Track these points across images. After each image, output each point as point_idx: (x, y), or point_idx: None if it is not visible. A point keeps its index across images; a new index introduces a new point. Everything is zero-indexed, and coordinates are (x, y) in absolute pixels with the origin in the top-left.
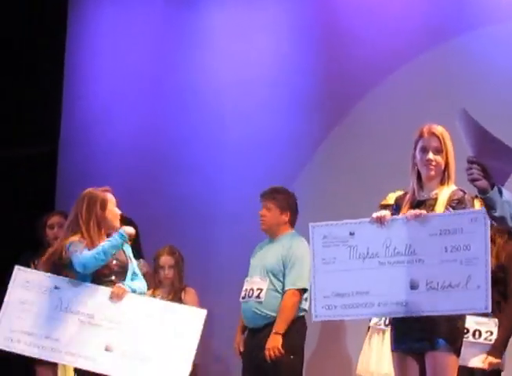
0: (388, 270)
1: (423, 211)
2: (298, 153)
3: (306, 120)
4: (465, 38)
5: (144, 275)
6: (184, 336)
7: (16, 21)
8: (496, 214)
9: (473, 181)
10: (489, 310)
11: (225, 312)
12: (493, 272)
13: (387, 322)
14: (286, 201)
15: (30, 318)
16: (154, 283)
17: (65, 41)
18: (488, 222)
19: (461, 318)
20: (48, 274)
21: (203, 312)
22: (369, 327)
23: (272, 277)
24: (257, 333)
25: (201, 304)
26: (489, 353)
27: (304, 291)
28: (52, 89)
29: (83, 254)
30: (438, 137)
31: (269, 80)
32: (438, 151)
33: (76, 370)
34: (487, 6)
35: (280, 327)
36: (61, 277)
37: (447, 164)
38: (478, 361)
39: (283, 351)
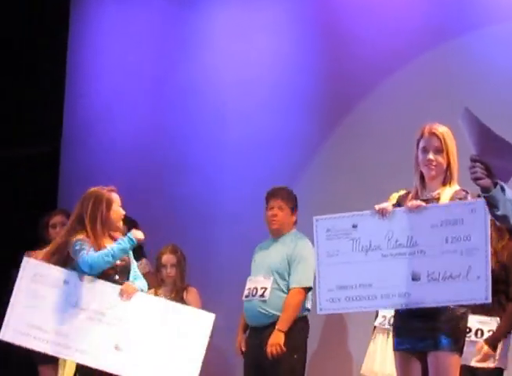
0: (390, 262)
1: (423, 203)
2: (299, 153)
3: (307, 120)
4: (466, 38)
5: (145, 274)
6: (192, 339)
7: (18, 20)
8: (499, 212)
9: (476, 179)
10: (489, 301)
11: (225, 312)
12: (494, 272)
13: (391, 322)
14: (294, 201)
15: (40, 312)
16: (156, 281)
17: (67, 40)
18: (488, 212)
19: (463, 318)
20: (58, 268)
21: (212, 316)
22: (374, 327)
23: (276, 276)
24: (260, 332)
25: (202, 303)
26: (486, 342)
27: (308, 289)
28: (54, 88)
29: (90, 254)
30: (439, 137)
31: (270, 80)
32: (439, 151)
33: (78, 370)
34: (487, 6)
35: (284, 324)
36: (71, 271)
37: (449, 164)
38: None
39: (284, 348)
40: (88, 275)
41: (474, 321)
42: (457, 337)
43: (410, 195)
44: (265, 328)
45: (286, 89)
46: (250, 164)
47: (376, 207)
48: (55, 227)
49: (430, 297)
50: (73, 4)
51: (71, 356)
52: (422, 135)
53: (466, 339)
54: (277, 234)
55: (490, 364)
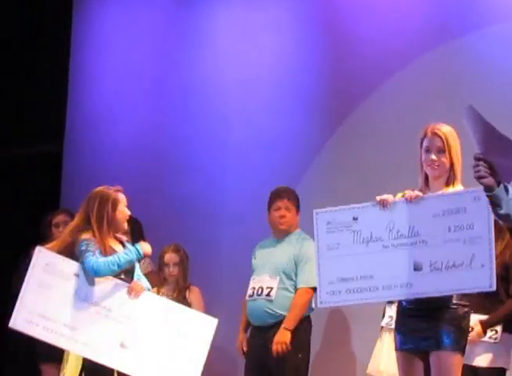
0: (392, 253)
1: (420, 193)
2: (301, 152)
3: (309, 119)
4: (468, 38)
5: (147, 274)
6: (195, 342)
7: (20, 21)
8: (502, 211)
9: (479, 178)
10: (494, 288)
11: (227, 311)
12: (497, 271)
13: None
14: (298, 201)
15: (49, 302)
16: (159, 280)
17: (69, 41)
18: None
19: (466, 317)
20: (70, 260)
21: (215, 321)
22: (382, 327)
23: (283, 276)
24: (264, 331)
25: (204, 302)
26: (480, 322)
27: (315, 289)
28: (56, 89)
29: (96, 259)
30: (441, 137)
31: (273, 80)
32: (441, 151)
33: (84, 366)
34: (489, 6)
35: (290, 323)
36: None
37: (452, 164)
38: (483, 360)
39: (290, 347)
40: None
41: (476, 320)
42: (459, 336)
43: None
44: (270, 328)
45: (288, 89)
46: (252, 164)
47: (378, 198)
48: (58, 226)
49: (433, 286)
50: (75, 5)
51: (76, 349)
52: (425, 135)
53: (469, 338)
54: (282, 234)
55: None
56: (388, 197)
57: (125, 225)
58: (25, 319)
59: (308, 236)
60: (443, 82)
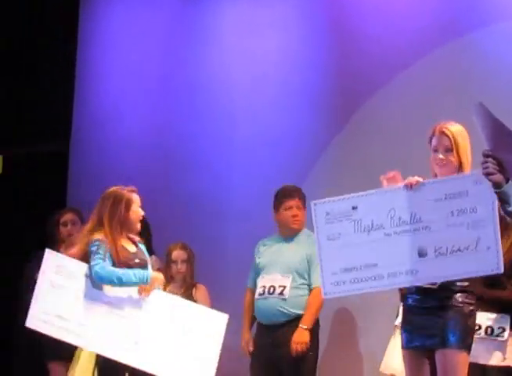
0: (395, 240)
1: (420, 179)
2: (307, 150)
3: (315, 117)
4: (477, 35)
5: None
6: (206, 339)
7: (28, 20)
8: (510, 208)
9: (488, 175)
10: (501, 271)
11: (233, 309)
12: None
13: None
14: (305, 200)
15: (64, 302)
16: (165, 278)
17: (76, 39)
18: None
19: (472, 315)
20: (80, 262)
21: (225, 317)
22: (395, 326)
23: (295, 275)
24: (273, 330)
25: (210, 300)
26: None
27: None
28: (62, 87)
29: (104, 267)
30: (448, 136)
31: (279, 77)
32: (449, 150)
33: (97, 363)
34: (499, 2)
35: (309, 322)
36: None
37: (460, 163)
38: (491, 358)
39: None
40: None
41: (483, 318)
42: (465, 334)
43: None
44: (279, 327)
45: (295, 86)
46: (258, 161)
47: (382, 177)
48: (66, 225)
49: (439, 272)
50: (82, 3)
51: (92, 347)
52: (433, 134)
53: (477, 337)
54: (291, 233)
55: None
56: (395, 172)
57: (138, 226)
58: (41, 319)
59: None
60: (451, 79)
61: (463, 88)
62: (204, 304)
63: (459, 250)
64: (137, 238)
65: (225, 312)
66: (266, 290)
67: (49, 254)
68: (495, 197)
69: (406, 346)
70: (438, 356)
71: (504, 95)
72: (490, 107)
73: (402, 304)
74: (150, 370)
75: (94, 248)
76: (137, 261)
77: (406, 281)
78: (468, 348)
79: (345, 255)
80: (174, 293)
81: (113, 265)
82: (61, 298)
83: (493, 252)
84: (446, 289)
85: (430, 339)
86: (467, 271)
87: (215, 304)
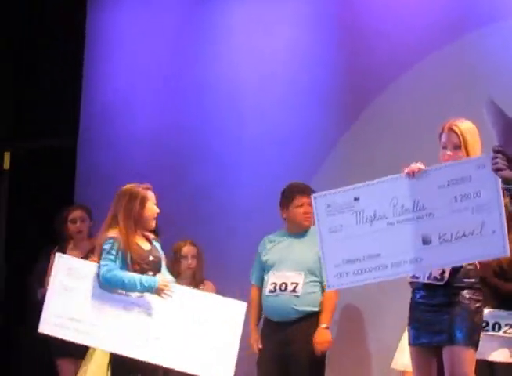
0: (398, 229)
1: (422, 166)
2: (317, 147)
3: (325, 114)
4: (486, 31)
5: None
6: (227, 328)
7: (36, 18)
8: None
9: (497, 170)
10: (508, 254)
11: None
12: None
13: None
14: None
15: (76, 304)
16: (173, 274)
17: (84, 37)
18: None
19: (479, 311)
20: (90, 262)
21: (244, 305)
22: None
23: (307, 272)
24: (283, 327)
25: None
26: None
27: None
28: (71, 84)
29: (112, 268)
30: (457, 133)
31: (288, 75)
32: (457, 147)
33: (110, 362)
34: None
35: (328, 320)
36: None
37: None
38: (499, 355)
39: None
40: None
41: (490, 315)
42: (472, 331)
43: None
44: (290, 324)
45: (304, 84)
46: (266, 160)
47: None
48: (74, 222)
49: (444, 258)
50: (90, 2)
51: (105, 346)
52: (442, 131)
53: (484, 333)
54: (301, 230)
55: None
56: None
57: (153, 223)
58: (54, 323)
59: None
60: (460, 76)
61: (472, 85)
62: None
63: (464, 235)
64: (152, 235)
65: None
66: (278, 287)
67: (60, 258)
68: (499, 180)
69: (413, 343)
70: (445, 352)
71: None
72: (499, 103)
73: None
74: (169, 364)
75: (107, 247)
76: (151, 259)
77: (410, 269)
78: (475, 345)
79: (348, 247)
80: None
81: (125, 264)
82: (73, 300)
83: (499, 236)
84: (453, 286)
85: (437, 336)
86: (473, 256)
87: None
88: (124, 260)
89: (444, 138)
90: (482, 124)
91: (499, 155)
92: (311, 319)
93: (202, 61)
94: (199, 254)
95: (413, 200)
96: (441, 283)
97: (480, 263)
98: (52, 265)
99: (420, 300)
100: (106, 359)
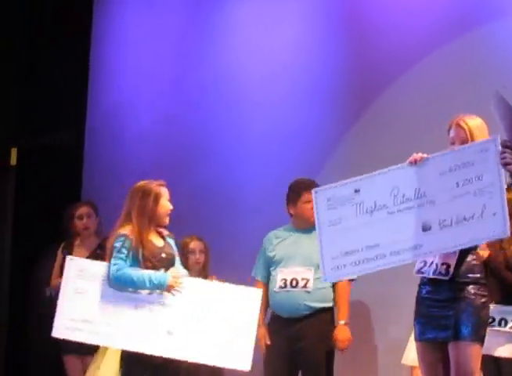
0: (398, 218)
1: (425, 155)
2: (320, 146)
3: (327, 113)
4: (487, 29)
5: None
6: (242, 318)
7: (43, 15)
8: None
9: (505, 165)
10: (508, 235)
11: None
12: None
13: None
14: None
15: (89, 306)
16: None
17: (90, 35)
18: (499, 150)
19: (485, 307)
20: (101, 262)
21: (260, 292)
22: None
23: (316, 268)
24: (293, 323)
25: None
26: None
27: (351, 280)
28: (77, 81)
29: (122, 267)
30: (464, 129)
31: (290, 74)
32: (465, 143)
33: (122, 358)
34: None
35: (346, 316)
36: None
37: None
38: (505, 351)
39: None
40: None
41: (497, 311)
42: (478, 326)
43: None
44: (299, 320)
45: (305, 83)
46: (269, 158)
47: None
48: (81, 218)
49: (444, 243)
50: (96, 1)
51: (121, 345)
52: (450, 127)
53: (491, 329)
54: (309, 226)
55: None
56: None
57: (167, 220)
58: (68, 327)
59: None
60: (461, 75)
61: (474, 84)
62: None
63: (464, 219)
64: (166, 232)
65: None
66: (288, 283)
67: (71, 261)
68: (499, 163)
69: (419, 338)
70: (451, 348)
71: None
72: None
73: None
74: (187, 357)
75: (118, 244)
76: (163, 256)
77: (410, 256)
78: (481, 341)
79: (346, 239)
80: None
81: (137, 262)
82: (86, 301)
83: (499, 218)
84: (458, 281)
85: (442, 331)
86: (473, 239)
87: None
88: (135, 257)
89: (452, 133)
90: (490, 121)
91: (508, 150)
92: (321, 315)
93: (205, 61)
94: (206, 249)
95: (415, 188)
96: (447, 277)
97: (491, 254)
98: (59, 261)
99: (426, 295)
100: (119, 356)
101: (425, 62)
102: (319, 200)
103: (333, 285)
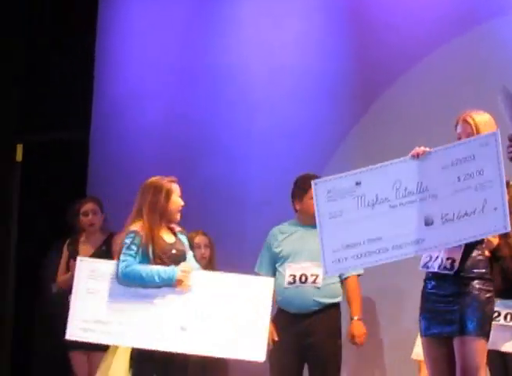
0: (400, 212)
1: (427, 148)
2: (327, 140)
3: (335, 107)
4: (496, 23)
5: None
6: (255, 307)
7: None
8: None
9: None
10: (508, 230)
11: None
12: None
13: None
14: None
15: (101, 306)
16: None
17: (95, 28)
18: (500, 144)
19: (490, 302)
20: (112, 261)
21: (271, 280)
22: None
23: None
24: (302, 319)
25: None
26: None
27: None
28: (83, 76)
29: (131, 263)
30: (471, 124)
31: (297, 67)
32: None
33: (132, 357)
34: None
35: (359, 312)
36: None
37: None
38: (510, 345)
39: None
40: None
41: (502, 305)
42: (483, 321)
43: None
44: (308, 316)
45: (313, 77)
46: (276, 153)
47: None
48: (87, 215)
49: (446, 238)
50: None
51: (135, 344)
52: (457, 123)
53: (496, 323)
54: (313, 221)
55: None
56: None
57: (178, 216)
58: (81, 328)
59: None
60: (470, 69)
61: (482, 78)
62: None
63: (465, 214)
64: (178, 228)
65: None
66: (297, 278)
67: (81, 262)
68: (501, 158)
69: (425, 334)
70: (456, 343)
71: None
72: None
73: None
74: (201, 351)
75: (128, 241)
76: (173, 252)
77: (412, 251)
78: (486, 336)
79: (348, 232)
80: None
81: (147, 258)
82: (98, 301)
83: (500, 213)
84: (463, 276)
85: (448, 326)
86: (474, 234)
87: None
88: (145, 254)
89: (459, 129)
90: (496, 116)
91: None
92: (330, 311)
93: (211, 54)
94: (211, 243)
95: (417, 181)
96: (452, 272)
97: (500, 244)
98: (64, 258)
99: (431, 290)
100: (129, 354)
101: (433, 56)
102: (319, 192)
103: (342, 281)
